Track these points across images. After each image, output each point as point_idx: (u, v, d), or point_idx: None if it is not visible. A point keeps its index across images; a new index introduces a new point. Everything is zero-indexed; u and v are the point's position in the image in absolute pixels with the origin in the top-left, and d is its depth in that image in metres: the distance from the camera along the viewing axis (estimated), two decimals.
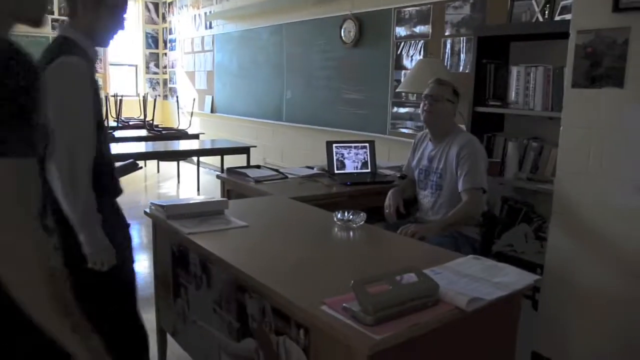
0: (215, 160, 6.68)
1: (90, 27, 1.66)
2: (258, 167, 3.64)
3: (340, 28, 5.06)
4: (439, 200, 2.69)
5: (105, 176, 1.72)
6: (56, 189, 1.54)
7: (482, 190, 2.57)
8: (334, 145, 3.47)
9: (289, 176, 3.36)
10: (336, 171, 3.38)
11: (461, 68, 3.97)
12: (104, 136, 1.73)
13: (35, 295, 0.83)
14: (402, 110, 4.51)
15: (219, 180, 3.47)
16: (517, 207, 3.39)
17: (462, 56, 3.95)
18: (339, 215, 2.22)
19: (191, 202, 2.30)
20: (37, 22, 0.95)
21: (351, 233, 2.13)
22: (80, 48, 1.63)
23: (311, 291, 1.46)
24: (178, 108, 7.44)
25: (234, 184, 3.25)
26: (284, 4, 5.87)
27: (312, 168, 3.73)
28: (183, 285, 2.14)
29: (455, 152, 2.61)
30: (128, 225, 1.85)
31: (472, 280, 1.57)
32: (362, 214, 2.22)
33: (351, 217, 2.21)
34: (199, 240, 1.91)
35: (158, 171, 7.93)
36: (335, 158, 3.45)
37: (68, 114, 1.52)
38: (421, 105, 2.72)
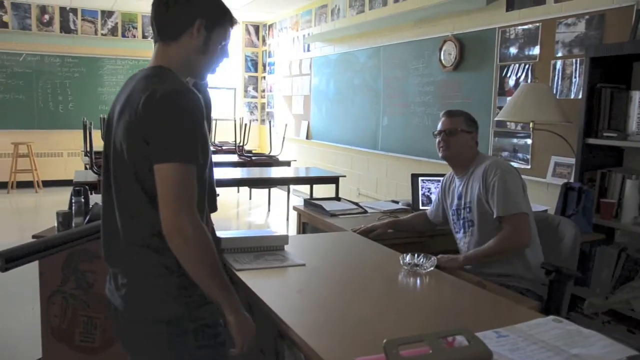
0: (307, 187, 6.78)
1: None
2: (338, 199, 3.62)
3: (440, 50, 4.96)
4: (472, 239, 2.48)
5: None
6: None
7: (524, 214, 2.34)
8: (420, 178, 3.36)
9: (369, 210, 3.30)
10: (421, 207, 3.27)
11: (573, 94, 3.69)
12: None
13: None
14: (505, 140, 4.29)
15: None
16: (636, 256, 3.05)
17: (575, 80, 3.68)
18: (406, 259, 2.12)
19: (250, 235, 2.32)
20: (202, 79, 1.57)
21: (417, 280, 2.02)
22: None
23: (347, 346, 1.39)
24: (270, 133, 7.69)
25: (310, 217, 3.26)
26: (382, 25, 5.89)
27: (397, 202, 3.64)
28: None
29: (479, 178, 2.42)
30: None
31: (544, 348, 1.41)
32: (432, 259, 2.11)
33: (420, 260, 2.10)
34: (246, 277, 1.91)
35: (250, 197, 8.22)
36: (421, 193, 3.34)
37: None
38: (436, 142, 2.58)
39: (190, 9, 1.43)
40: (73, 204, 2.73)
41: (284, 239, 2.32)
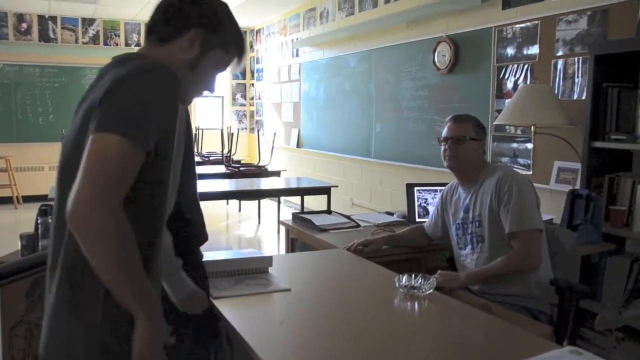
0: (299, 198, 6.60)
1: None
2: (329, 212, 3.44)
3: (434, 52, 4.81)
4: (482, 255, 2.28)
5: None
6: None
7: (538, 230, 2.17)
8: (416, 188, 3.19)
9: (362, 224, 3.12)
10: (417, 219, 3.09)
11: (576, 95, 3.54)
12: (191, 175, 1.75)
13: None
14: (505, 145, 4.13)
15: None
16: None
17: (578, 80, 3.53)
18: (403, 281, 1.94)
19: (231, 257, 2.13)
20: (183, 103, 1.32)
21: (416, 305, 1.84)
22: None
23: None
24: (258, 142, 7.52)
25: (298, 232, 3.08)
26: (373, 27, 5.74)
27: (392, 214, 3.47)
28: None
29: (491, 189, 2.24)
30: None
31: None
32: (431, 280, 1.93)
33: (418, 282, 1.92)
34: (223, 306, 1.74)
35: (239, 209, 8.03)
36: (417, 204, 3.17)
37: None
38: (441, 150, 2.38)
39: (191, 14, 1.24)
40: (39, 225, 2.53)
41: (268, 260, 2.14)
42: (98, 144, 1.04)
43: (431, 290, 1.90)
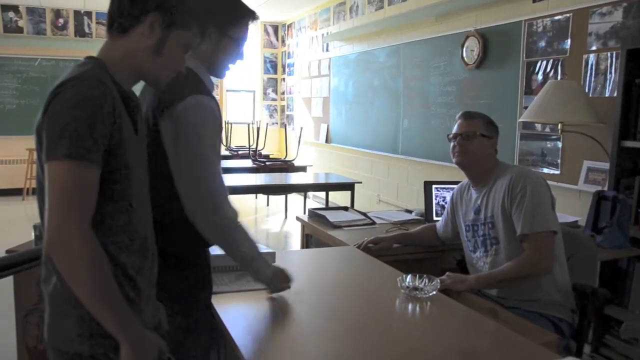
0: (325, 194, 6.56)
1: (210, 58, 1.67)
2: (346, 208, 3.38)
3: (462, 47, 4.68)
4: (497, 258, 2.17)
5: None
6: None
7: (552, 232, 2.06)
8: (434, 186, 3.11)
9: (378, 222, 3.07)
10: (435, 218, 3.01)
11: (608, 92, 3.38)
12: None
13: None
14: (533, 143, 3.99)
15: None
16: None
17: (611, 76, 3.37)
18: (407, 281, 1.88)
19: None
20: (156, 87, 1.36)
21: (417, 307, 1.78)
22: (203, 83, 1.64)
23: None
24: (286, 137, 7.50)
25: (313, 229, 3.03)
26: (402, 21, 5.64)
27: (410, 212, 3.40)
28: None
29: (504, 188, 2.14)
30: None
31: None
32: (435, 282, 1.86)
33: (422, 284, 1.85)
34: (218, 302, 1.70)
35: (267, 204, 8.04)
36: (435, 202, 3.08)
37: (200, 156, 1.55)
38: (451, 146, 2.29)
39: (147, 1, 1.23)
40: None
41: (271, 256, 2.09)
42: (52, 174, 1.09)
43: (434, 292, 1.83)
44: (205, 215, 1.56)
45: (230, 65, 1.74)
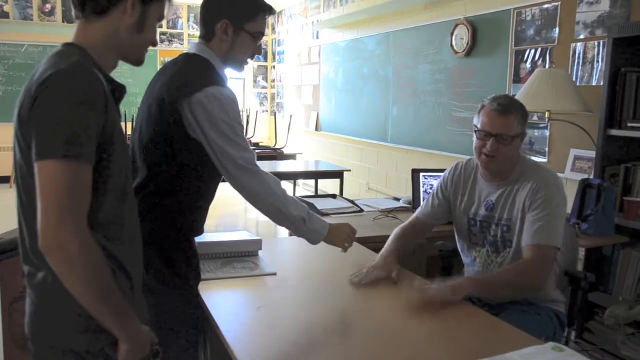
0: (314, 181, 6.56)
1: (227, 52, 1.70)
2: (334, 196, 3.39)
3: (451, 35, 4.68)
4: (506, 261, 2.01)
5: None
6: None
7: (556, 249, 1.89)
8: (422, 174, 3.12)
9: (365, 209, 3.08)
10: None
11: (595, 80, 3.39)
12: None
13: None
14: None
15: None
16: None
17: (598, 65, 3.38)
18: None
19: (219, 240, 2.10)
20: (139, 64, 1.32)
21: (402, 291, 1.79)
22: (219, 76, 1.67)
23: None
24: (275, 124, 7.48)
25: None
26: (391, 9, 5.61)
27: (398, 200, 3.41)
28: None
29: (527, 192, 1.94)
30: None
31: None
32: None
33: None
34: (204, 288, 1.71)
35: None
36: (422, 189, 3.10)
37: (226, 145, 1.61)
38: (475, 142, 1.99)
39: None
40: None
41: (257, 243, 2.11)
42: (46, 173, 1.05)
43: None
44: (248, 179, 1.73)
45: (248, 60, 1.77)
